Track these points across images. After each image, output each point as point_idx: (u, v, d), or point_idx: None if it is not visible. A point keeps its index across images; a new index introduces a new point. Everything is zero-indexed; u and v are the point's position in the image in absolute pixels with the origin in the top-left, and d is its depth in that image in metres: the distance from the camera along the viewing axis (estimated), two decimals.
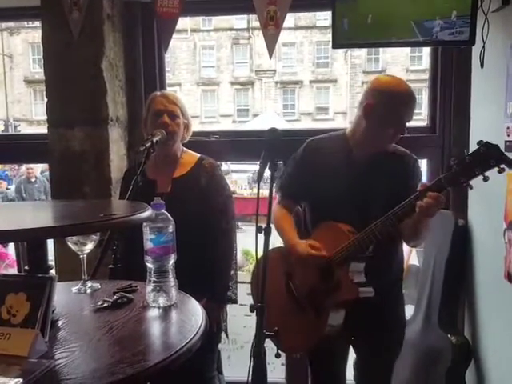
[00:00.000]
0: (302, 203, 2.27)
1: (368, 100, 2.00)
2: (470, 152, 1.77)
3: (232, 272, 2.30)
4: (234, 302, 2.34)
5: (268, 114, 20.20)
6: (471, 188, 1.77)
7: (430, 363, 2.69)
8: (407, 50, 25.32)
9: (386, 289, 2.05)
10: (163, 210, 1.47)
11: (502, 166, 1.70)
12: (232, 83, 27.14)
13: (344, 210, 2.00)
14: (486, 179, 1.72)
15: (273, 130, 1.69)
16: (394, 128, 1.98)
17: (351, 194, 2.01)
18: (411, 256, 3.99)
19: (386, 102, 1.96)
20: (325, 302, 2.02)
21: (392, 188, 1.98)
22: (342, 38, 2.41)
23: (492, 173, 1.74)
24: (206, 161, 2.33)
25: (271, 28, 2.50)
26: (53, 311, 1.28)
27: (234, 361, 3.20)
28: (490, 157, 1.71)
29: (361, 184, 2.02)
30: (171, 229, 1.46)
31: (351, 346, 2.24)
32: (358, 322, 2.04)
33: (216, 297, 2.24)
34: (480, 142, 1.73)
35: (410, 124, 2.04)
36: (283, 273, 2.15)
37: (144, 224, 1.43)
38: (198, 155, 2.36)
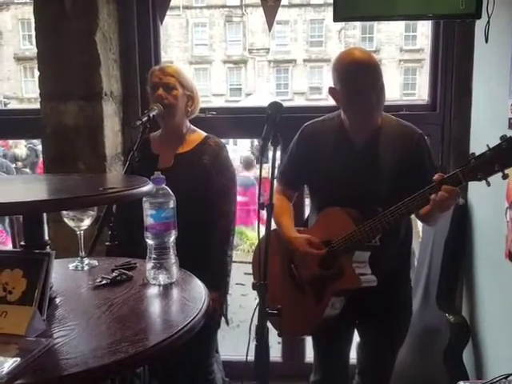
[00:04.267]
0: (303, 189, 2.21)
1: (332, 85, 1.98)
2: (492, 146, 1.63)
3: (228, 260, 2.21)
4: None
5: (261, 94, 20.05)
6: (489, 185, 1.64)
7: (427, 342, 2.69)
8: (401, 29, 25.15)
9: (392, 276, 2.01)
10: (164, 185, 1.42)
11: None
12: (225, 62, 26.86)
13: (347, 193, 1.93)
14: (505, 177, 1.60)
15: (275, 104, 1.65)
16: (361, 97, 1.88)
17: (353, 176, 1.95)
18: None
19: (340, 79, 1.93)
20: (326, 288, 1.98)
21: (396, 165, 1.92)
22: (344, 10, 2.35)
23: None
24: (212, 139, 2.27)
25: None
26: (50, 288, 1.24)
27: (230, 340, 3.18)
28: None
29: (361, 164, 1.96)
30: (172, 204, 1.42)
31: (355, 329, 2.20)
32: (363, 307, 2.00)
33: (215, 285, 2.06)
34: (503, 137, 1.61)
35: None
36: (286, 255, 2.09)
37: (144, 199, 1.39)
38: (205, 134, 2.31)
